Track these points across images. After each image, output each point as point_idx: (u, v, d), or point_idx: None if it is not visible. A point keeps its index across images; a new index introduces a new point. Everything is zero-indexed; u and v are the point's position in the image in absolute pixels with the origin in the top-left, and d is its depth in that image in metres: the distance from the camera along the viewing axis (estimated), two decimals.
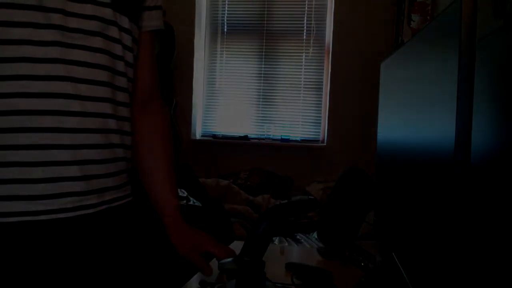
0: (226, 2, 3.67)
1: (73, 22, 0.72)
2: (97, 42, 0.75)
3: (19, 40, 0.69)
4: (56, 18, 0.71)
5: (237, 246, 1.15)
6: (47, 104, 0.70)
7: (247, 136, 3.64)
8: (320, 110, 3.58)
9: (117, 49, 0.80)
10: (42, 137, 0.70)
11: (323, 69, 3.56)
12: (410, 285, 0.84)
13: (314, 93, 3.59)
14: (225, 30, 3.69)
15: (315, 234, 2.35)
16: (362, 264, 1.19)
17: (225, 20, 3.69)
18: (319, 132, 3.59)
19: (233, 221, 2.69)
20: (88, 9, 0.74)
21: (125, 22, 0.81)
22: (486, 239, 0.55)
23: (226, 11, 3.68)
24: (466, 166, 0.61)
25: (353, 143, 3.40)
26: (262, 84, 3.65)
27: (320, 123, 3.58)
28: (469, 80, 0.62)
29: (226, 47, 3.70)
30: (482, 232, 0.56)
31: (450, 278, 0.64)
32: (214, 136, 3.70)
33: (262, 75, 3.64)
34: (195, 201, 2.95)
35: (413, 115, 0.92)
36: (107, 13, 0.77)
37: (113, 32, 0.78)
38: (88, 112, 0.75)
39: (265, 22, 3.62)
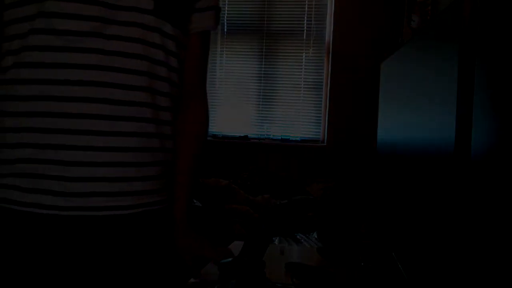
0: (226, 2, 3.66)
1: (112, 29, 0.74)
2: (137, 48, 0.77)
3: (59, 47, 0.72)
4: (96, 26, 0.73)
5: (237, 246, 1.16)
6: (83, 108, 0.74)
7: (247, 136, 3.64)
8: (320, 110, 3.58)
9: (159, 55, 0.81)
10: (78, 139, 0.74)
11: (323, 69, 3.56)
12: (410, 285, 0.84)
13: (314, 93, 3.58)
14: (225, 30, 3.69)
15: (315, 234, 2.35)
16: (362, 264, 1.19)
17: (225, 20, 3.68)
18: (319, 132, 3.59)
19: (233, 221, 2.69)
20: (130, 16, 0.76)
21: (168, 28, 0.82)
22: (487, 238, 0.55)
23: (226, 11, 3.68)
24: (467, 165, 0.61)
25: (353, 143, 3.41)
26: (262, 84, 3.65)
27: (320, 123, 3.58)
28: (469, 79, 0.62)
29: (226, 47, 3.70)
30: (483, 231, 0.56)
31: (450, 277, 0.64)
32: (214, 136, 3.71)
33: (262, 75, 3.64)
34: (195, 201, 2.95)
35: (413, 114, 0.92)
36: (149, 19, 0.78)
37: (155, 38, 0.79)
38: (123, 116, 0.76)
39: (265, 22, 3.61)
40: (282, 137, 3.61)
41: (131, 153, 0.78)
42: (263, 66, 3.64)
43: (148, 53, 0.78)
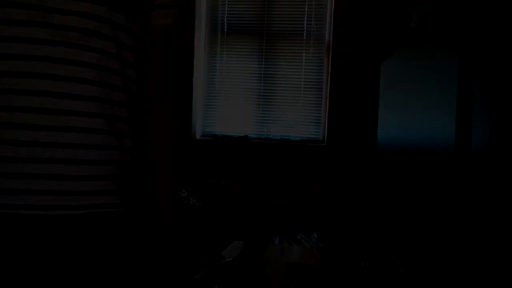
0: (226, 2, 3.66)
1: (60, 19, 0.71)
2: (85, 39, 0.73)
3: (5, 37, 0.69)
4: (43, 16, 0.70)
5: (237, 246, 1.16)
6: (28, 101, 0.70)
7: (247, 136, 3.65)
8: (320, 110, 3.58)
9: (111, 48, 0.77)
10: (21, 134, 0.71)
11: (323, 69, 3.56)
12: (410, 285, 0.84)
13: (314, 93, 3.59)
14: (225, 30, 3.69)
15: (315, 234, 2.35)
16: (362, 264, 1.19)
17: (225, 20, 3.68)
18: (319, 132, 3.59)
19: (233, 221, 2.69)
20: (79, 6, 0.73)
21: (121, 19, 0.78)
22: (487, 237, 0.55)
23: (226, 11, 3.68)
24: (467, 165, 0.61)
25: (353, 143, 3.41)
26: (262, 84, 3.65)
27: (320, 123, 3.58)
28: (469, 78, 0.62)
29: (226, 47, 3.70)
30: (483, 230, 0.56)
31: (450, 277, 0.64)
32: (214, 136, 3.71)
33: (262, 75, 3.64)
34: (195, 201, 2.95)
35: (414, 114, 0.92)
36: (100, 10, 0.75)
37: (106, 29, 0.76)
38: (68, 110, 0.73)
39: (265, 22, 3.61)
40: (282, 137, 3.61)
41: (77, 150, 0.74)
42: (263, 66, 3.63)
43: (98, 45, 0.75)
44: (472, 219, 0.59)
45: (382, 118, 1.35)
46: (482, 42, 0.59)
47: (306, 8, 3.56)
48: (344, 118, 3.45)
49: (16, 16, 0.70)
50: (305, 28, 3.57)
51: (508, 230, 0.49)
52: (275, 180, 3.45)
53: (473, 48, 0.61)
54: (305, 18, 3.57)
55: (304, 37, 3.58)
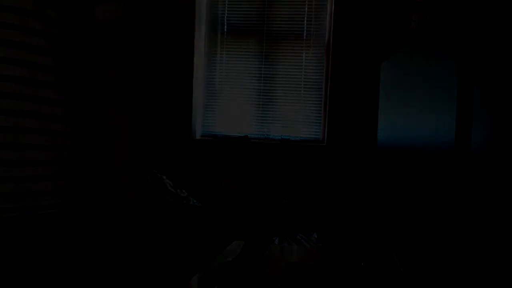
0: (226, 2, 3.67)
1: None
2: (12, 35, 0.71)
3: None
4: None
5: (237, 246, 1.16)
6: None
7: (247, 136, 3.65)
8: (320, 110, 3.58)
9: (40, 43, 0.74)
10: None
11: (323, 69, 3.56)
12: (410, 285, 0.84)
13: (314, 93, 3.59)
14: (225, 30, 3.69)
15: (315, 234, 2.35)
16: (362, 264, 1.19)
17: (225, 20, 3.69)
18: (319, 132, 3.59)
19: (233, 221, 2.69)
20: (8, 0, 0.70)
21: (52, 13, 0.76)
22: (487, 237, 0.55)
23: (226, 11, 3.68)
24: (467, 165, 0.61)
25: (353, 143, 3.41)
26: (262, 84, 3.65)
27: (320, 123, 3.58)
28: (469, 78, 0.62)
29: (226, 47, 3.70)
30: (483, 230, 0.56)
31: (451, 277, 0.64)
32: (214, 136, 3.71)
33: (262, 75, 3.65)
34: (195, 201, 2.95)
35: (414, 114, 0.92)
36: (29, 3, 0.72)
37: (35, 24, 0.73)
38: None
39: (265, 22, 3.62)
40: (282, 137, 3.61)
41: (5, 151, 0.71)
42: (263, 66, 3.64)
43: (26, 40, 0.72)
44: (472, 219, 0.59)
45: (382, 118, 1.35)
46: (483, 42, 0.59)
47: (306, 8, 3.56)
48: (344, 118, 3.45)
49: None
50: (305, 28, 3.57)
51: (509, 230, 0.49)
52: (275, 180, 3.45)
53: (473, 48, 0.61)
54: (305, 18, 3.57)
55: (304, 37, 3.58)
